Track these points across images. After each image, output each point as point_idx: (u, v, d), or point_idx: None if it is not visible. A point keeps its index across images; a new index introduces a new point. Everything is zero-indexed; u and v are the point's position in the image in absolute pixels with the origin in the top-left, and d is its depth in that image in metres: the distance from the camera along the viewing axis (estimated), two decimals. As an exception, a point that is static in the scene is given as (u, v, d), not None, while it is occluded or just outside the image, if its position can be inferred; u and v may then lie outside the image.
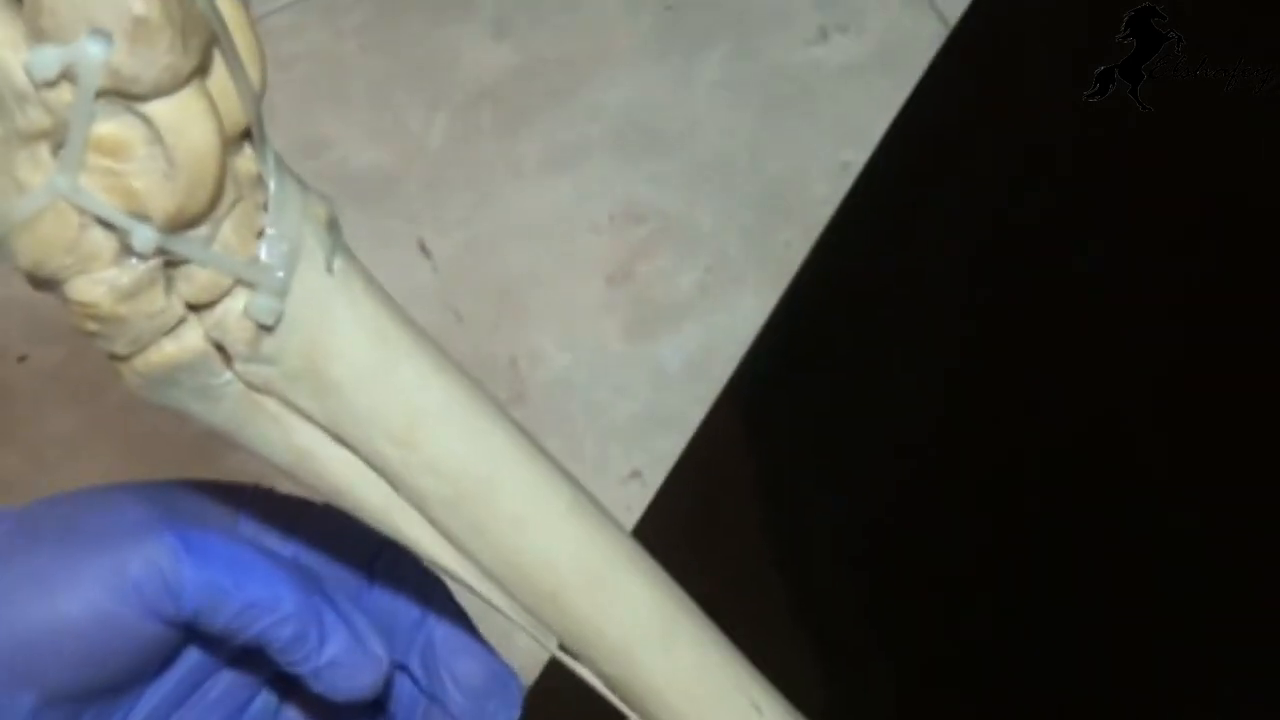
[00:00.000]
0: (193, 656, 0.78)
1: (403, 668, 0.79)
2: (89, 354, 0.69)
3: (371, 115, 2.03)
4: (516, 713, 0.80)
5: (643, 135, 1.97)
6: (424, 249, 1.95)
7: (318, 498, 0.79)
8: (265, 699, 0.82)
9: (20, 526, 0.75)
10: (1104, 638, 1.11)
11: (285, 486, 0.79)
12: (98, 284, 0.65)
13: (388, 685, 0.77)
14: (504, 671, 0.80)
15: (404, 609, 0.79)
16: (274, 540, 0.78)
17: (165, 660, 0.77)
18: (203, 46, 0.63)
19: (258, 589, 0.73)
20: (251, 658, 0.76)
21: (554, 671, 0.80)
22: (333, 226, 0.69)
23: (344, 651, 0.74)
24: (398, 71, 2.05)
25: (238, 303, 0.67)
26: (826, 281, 1.32)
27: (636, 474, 1.75)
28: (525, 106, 2.01)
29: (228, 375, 0.69)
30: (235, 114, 0.65)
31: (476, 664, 0.79)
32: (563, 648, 0.77)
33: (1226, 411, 1.17)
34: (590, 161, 1.97)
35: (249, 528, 0.78)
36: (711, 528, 1.24)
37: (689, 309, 1.87)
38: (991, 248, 1.29)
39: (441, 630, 0.79)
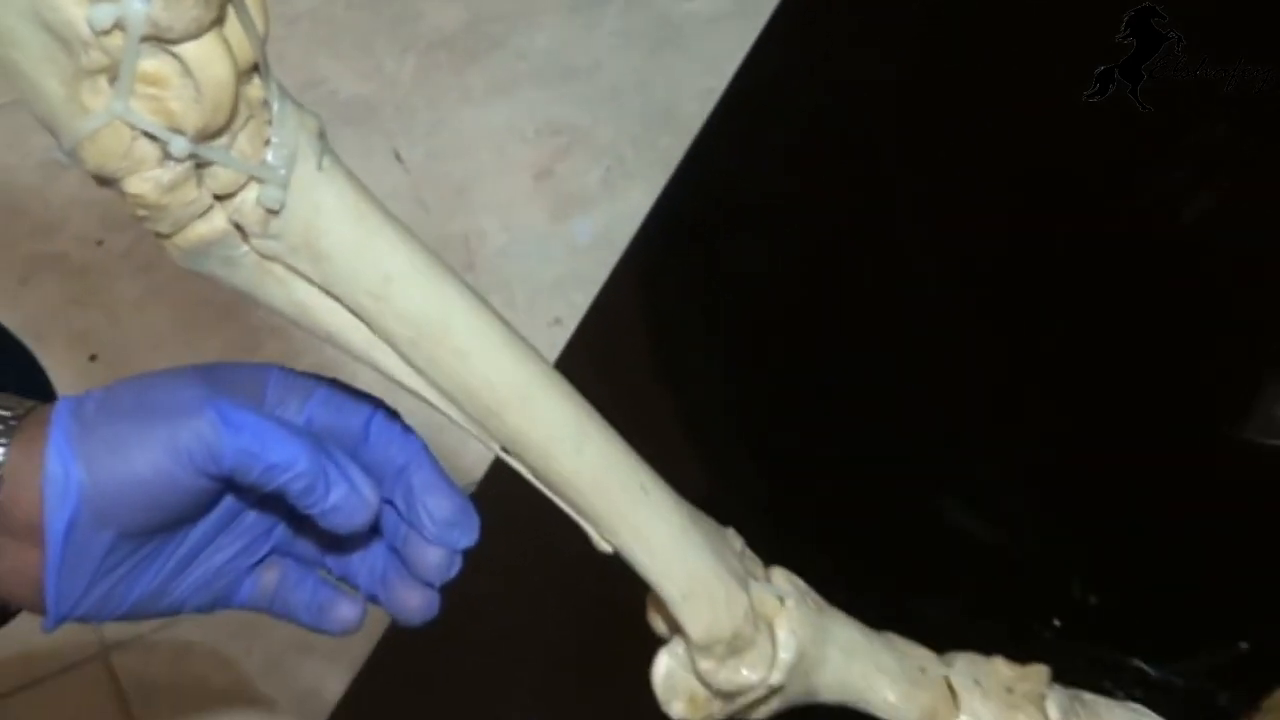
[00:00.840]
0: (229, 501, 0.79)
1: (389, 503, 0.80)
2: (149, 238, 0.70)
3: (357, 58, 2.02)
4: (474, 538, 0.80)
5: (559, 70, 1.97)
6: (398, 157, 1.94)
7: (326, 374, 0.80)
8: (283, 530, 0.83)
9: (103, 404, 0.75)
10: (912, 444, 1.11)
11: (300, 362, 0.79)
12: (146, 181, 0.65)
13: (378, 517, 0.78)
14: (467, 506, 0.80)
15: (391, 459, 0.79)
16: (293, 408, 0.78)
17: (209, 504, 0.78)
18: (220, 2, 0.63)
19: (278, 453, 0.73)
20: (274, 501, 0.76)
21: (498, 467, 0.80)
22: (322, 136, 0.69)
23: (343, 498, 0.75)
24: (376, 25, 2.04)
25: (251, 194, 0.68)
26: (697, 177, 1.31)
27: (558, 320, 1.75)
28: (472, 50, 2.00)
29: (245, 248, 0.69)
30: (246, 53, 0.65)
31: (446, 501, 0.79)
32: (504, 449, 0.77)
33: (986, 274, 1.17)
34: (520, 90, 1.96)
35: (274, 397, 0.78)
36: (613, 359, 1.24)
37: (595, 198, 1.87)
38: (820, 148, 1.29)
39: (419, 475, 0.79)
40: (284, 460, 0.73)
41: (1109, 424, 1.05)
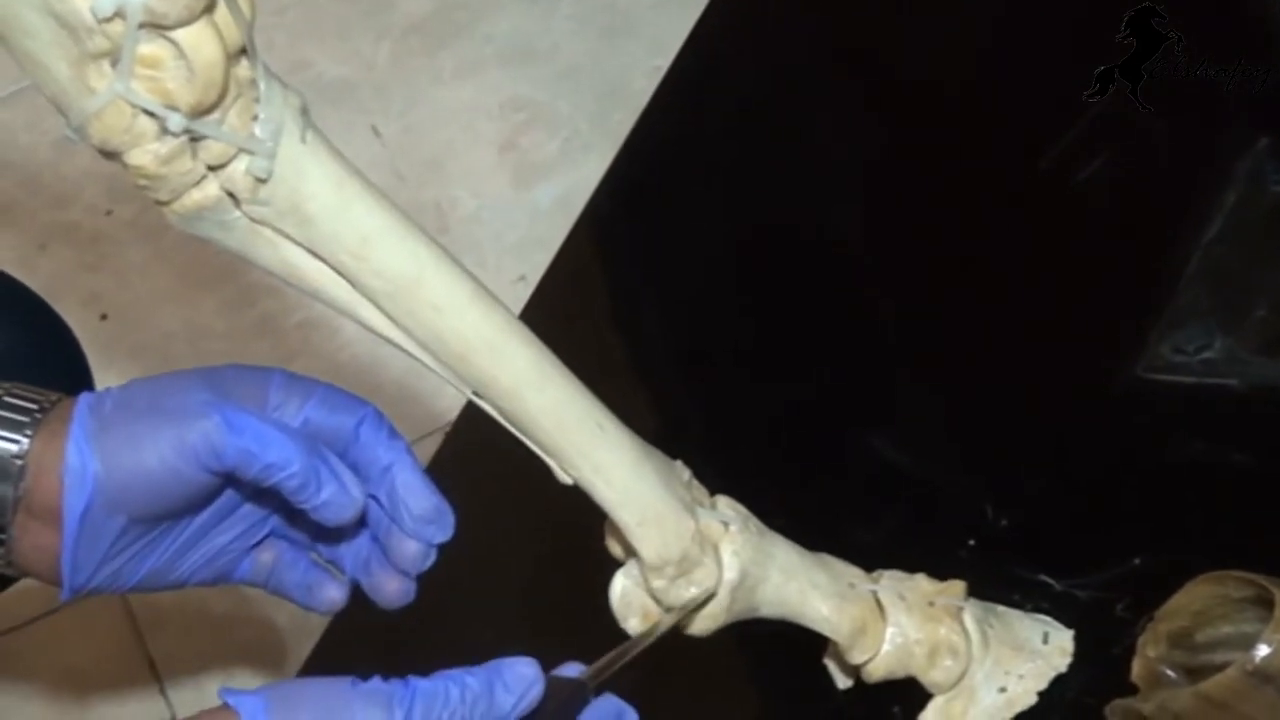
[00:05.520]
0: (229, 493, 0.79)
1: (374, 498, 0.80)
2: (153, 207, 0.69)
3: (338, 44, 2.01)
4: (449, 534, 0.80)
5: (520, 53, 1.96)
6: (376, 132, 1.94)
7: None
8: (277, 521, 0.83)
9: (120, 402, 0.76)
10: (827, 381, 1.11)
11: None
12: (146, 153, 0.66)
13: (364, 510, 0.78)
14: (443, 506, 0.80)
15: (378, 458, 0.79)
16: (292, 408, 0.78)
17: (211, 496, 0.78)
18: (210, -9, 0.63)
19: (275, 454, 0.74)
20: (270, 494, 0.77)
21: (470, 409, 0.79)
22: (305, 112, 0.69)
23: (333, 495, 0.75)
24: (355, 14, 2.03)
25: (241, 164, 0.68)
26: (645, 147, 1.31)
27: (522, 278, 1.75)
28: (441, 35, 1.99)
29: (237, 213, 0.69)
30: (234, 37, 0.65)
31: (424, 500, 0.79)
32: (475, 392, 0.77)
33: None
34: (486, 71, 1.96)
35: (276, 399, 0.78)
36: (572, 311, 1.23)
37: (554, 167, 1.87)
38: (755, 119, 1.28)
39: (402, 476, 0.79)
40: (280, 460, 0.74)
41: (1019, 365, 1.05)
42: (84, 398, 0.77)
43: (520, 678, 0.71)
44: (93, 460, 0.74)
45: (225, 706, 0.69)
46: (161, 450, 0.74)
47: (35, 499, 0.76)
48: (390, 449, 0.80)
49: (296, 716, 0.69)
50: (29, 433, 0.76)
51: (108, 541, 0.76)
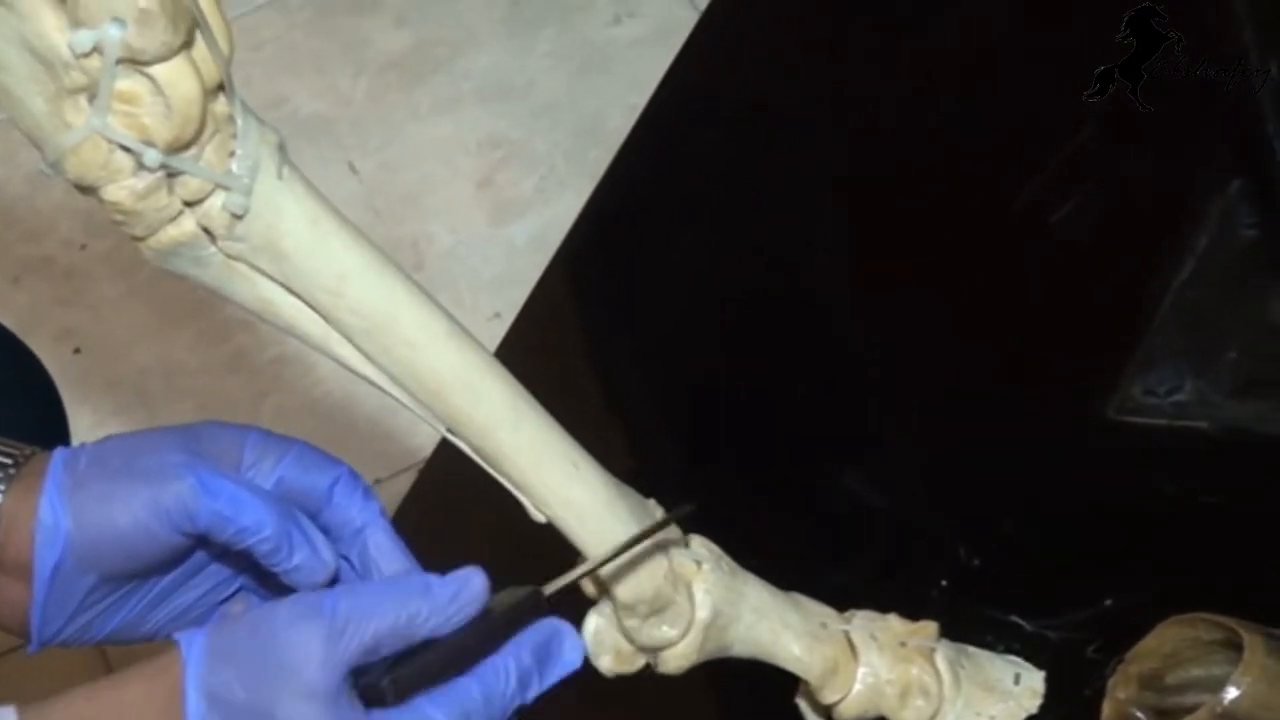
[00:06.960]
0: (200, 554, 0.79)
1: (346, 559, 0.80)
2: (128, 242, 0.70)
3: (315, 80, 2.02)
4: None
5: (498, 89, 1.97)
6: (352, 168, 1.94)
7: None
8: (248, 581, 0.83)
9: (95, 460, 0.76)
10: (813, 418, 1.11)
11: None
12: (122, 189, 0.66)
13: (336, 572, 0.78)
14: (416, 569, 0.80)
15: (350, 520, 0.79)
16: (267, 467, 0.78)
17: (183, 557, 0.78)
18: (188, 28, 0.64)
19: (248, 518, 0.74)
20: (242, 555, 0.77)
21: (444, 446, 0.80)
22: (282, 148, 0.70)
23: (305, 560, 0.76)
24: (332, 50, 2.04)
25: (218, 200, 0.68)
26: (621, 185, 1.31)
27: (498, 315, 1.76)
28: (418, 71, 2.00)
29: (213, 249, 0.70)
30: (212, 73, 0.65)
31: (396, 563, 0.79)
32: (449, 429, 0.77)
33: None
34: (463, 108, 1.97)
35: (250, 457, 0.78)
36: (547, 348, 1.23)
37: (531, 204, 1.88)
38: (728, 158, 1.28)
39: (374, 539, 0.79)
40: (253, 524, 0.74)
41: (991, 406, 1.05)
42: (59, 453, 0.77)
43: (458, 575, 0.72)
44: (65, 518, 0.74)
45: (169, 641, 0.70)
46: (135, 511, 0.74)
47: (6, 554, 0.75)
48: (364, 511, 0.79)
49: (234, 632, 0.70)
50: (1, 487, 0.75)
51: (78, 598, 0.76)
